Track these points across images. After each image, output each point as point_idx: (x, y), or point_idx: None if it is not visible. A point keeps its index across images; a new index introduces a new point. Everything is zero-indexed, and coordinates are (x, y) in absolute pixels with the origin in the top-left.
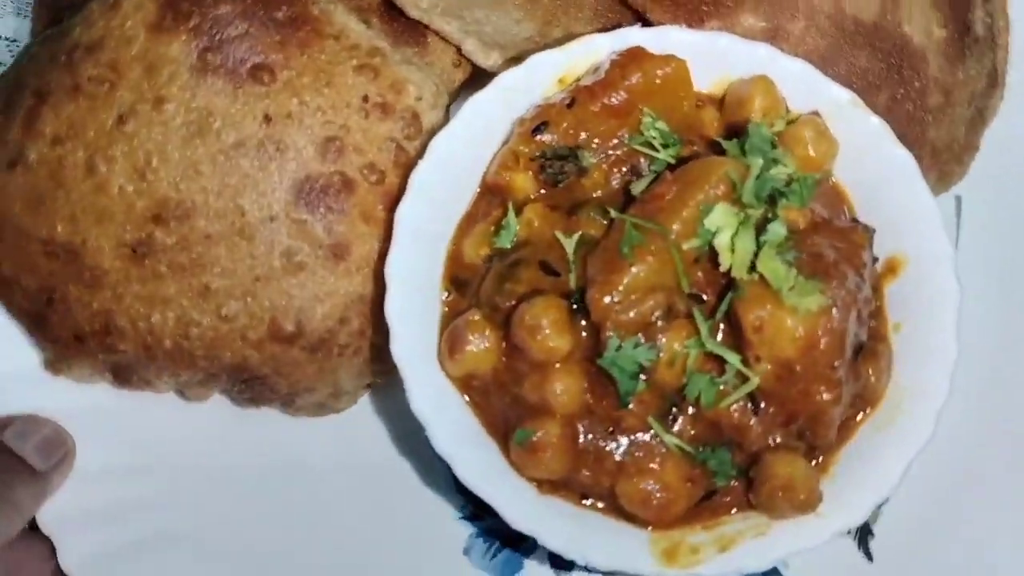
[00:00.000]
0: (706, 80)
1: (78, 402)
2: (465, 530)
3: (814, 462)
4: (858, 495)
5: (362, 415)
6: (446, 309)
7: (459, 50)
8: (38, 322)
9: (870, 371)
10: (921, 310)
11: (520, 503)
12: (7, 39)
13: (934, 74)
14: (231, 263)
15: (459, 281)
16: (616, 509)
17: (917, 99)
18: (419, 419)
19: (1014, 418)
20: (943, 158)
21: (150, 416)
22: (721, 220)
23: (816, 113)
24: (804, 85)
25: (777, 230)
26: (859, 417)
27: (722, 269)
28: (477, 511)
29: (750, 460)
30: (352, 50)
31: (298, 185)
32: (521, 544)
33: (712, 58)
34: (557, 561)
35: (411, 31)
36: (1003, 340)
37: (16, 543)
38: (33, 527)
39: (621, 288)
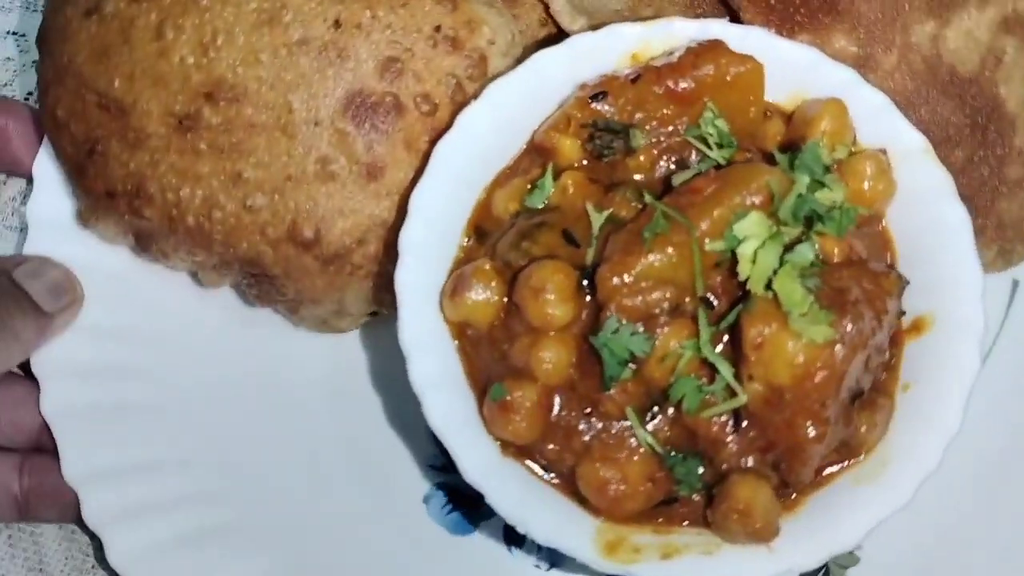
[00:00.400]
0: (782, 92)
1: (99, 261)
2: (431, 479)
3: (784, 498)
4: (816, 541)
5: (362, 342)
6: (462, 254)
7: (547, 8)
8: (79, 170)
9: (864, 421)
10: (934, 375)
11: (478, 457)
12: (16, 34)
13: (1020, 145)
14: (267, 156)
15: (482, 230)
16: (572, 490)
17: (996, 166)
18: (403, 350)
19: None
20: (1008, 234)
21: (162, 293)
22: (751, 229)
23: (883, 151)
24: (880, 120)
25: (804, 252)
26: (841, 466)
27: (740, 278)
28: (447, 463)
29: (718, 477)
30: None
31: (350, 96)
32: (475, 511)
33: (793, 70)
34: (508, 535)
35: None
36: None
37: (9, 382)
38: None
39: (634, 272)
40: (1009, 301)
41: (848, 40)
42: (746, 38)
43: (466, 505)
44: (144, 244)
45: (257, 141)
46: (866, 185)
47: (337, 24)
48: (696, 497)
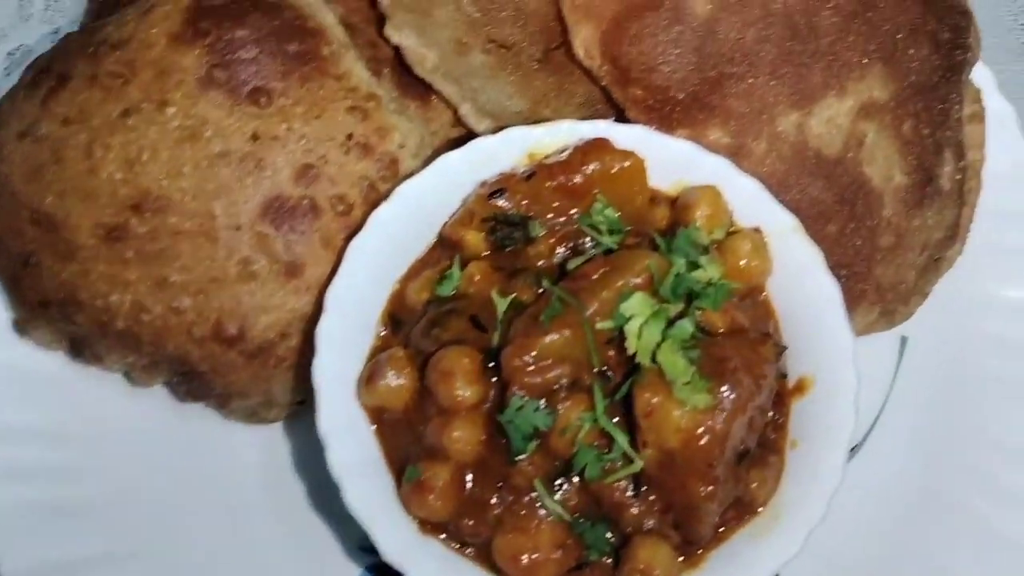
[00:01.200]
0: (666, 180)
1: (36, 365)
2: (362, 561)
3: (686, 556)
4: None
5: (290, 430)
6: (378, 343)
7: (456, 111)
8: (13, 282)
9: (754, 479)
10: (818, 432)
11: (397, 536)
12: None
13: (888, 216)
14: (192, 261)
15: (397, 320)
16: (489, 562)
17: (868, 236)
18: (321, 438)
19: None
20: (888, 296)
21: (97, 394)
22: (635, 307)
23: (758, 230)
24: (753, 203)
25: (684, 326)
26: (739, 522)
27: (628, 353)
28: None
29: (624, 540)
30: (350, 92)
31: (268, 201)
32: None
33: (673, 161)
34: None
35: (418, 87)
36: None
37: None
38: None
39: (534, 352)
40: (899, 356)
41: (722, 132)
42: (629, 135)
43: None
44: (78, 349)
45: (182, 247)
46: (743, 262)
47: (255, 137)
48: (607, 560)
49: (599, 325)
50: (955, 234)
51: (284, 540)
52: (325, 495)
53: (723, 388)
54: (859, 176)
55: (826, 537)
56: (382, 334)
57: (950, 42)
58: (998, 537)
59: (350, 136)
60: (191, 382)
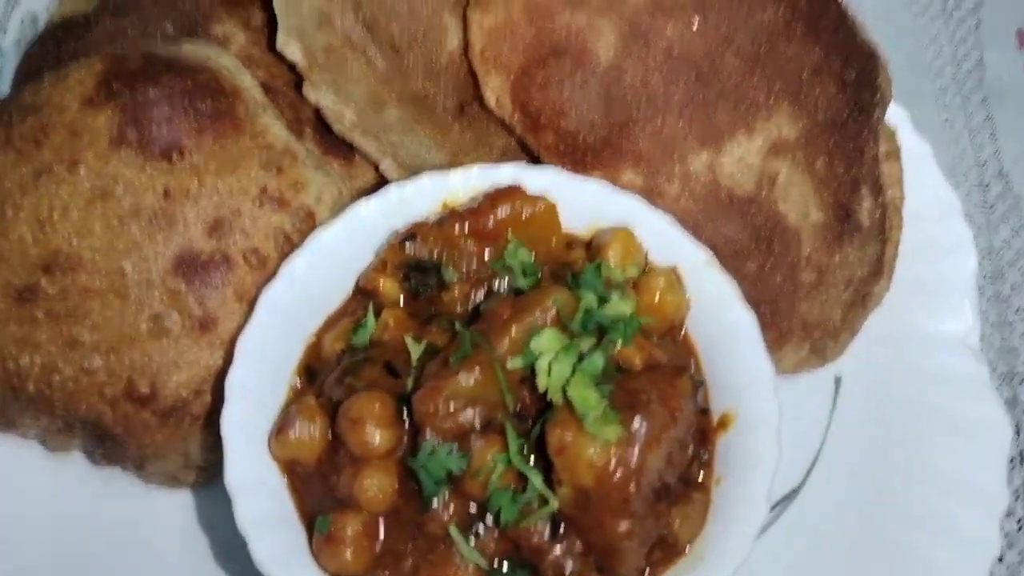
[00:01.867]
0: (580, 222)
1: None
2: None
3: None
4: None
5: (214, 493)
6: (292, 396)
7: (378, 168)
8: None
9: (677, 516)
10: (742, 467)
11: None
12: None
13: (807, 253)
14: (102, 319)
15: (312, 371)
16: None
17: (788, 273)
18: (229, 492)
19: None
20: (815, 334)
21: (13, 463)
22: (545, 344)
23: (673, 269)
24: (667, 240)
25: (594, 360)
26: (665, 564)
27: (540, 390)
28: None
29: None
30: (265, 148)
31: (179, 257)
32: None
33: (586, 203)
34: None
35: (341, 147)
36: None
37: None
38: None
39: (445, 394)
40: (834, 396)
41: (634, 174)
42: (541, 177)
43: None
44: None
45: (92, 305)
46: (659, 298)
47: (167, 193)
48: None
49: (510, 364)
50: (880, 271)
51: None
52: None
53: (635, 420)
54: (774, 214)
55: None
56: (298, 387)
57: (856, 81)
58: (939, 570)
59: (264, 190)
60: (105, 445)
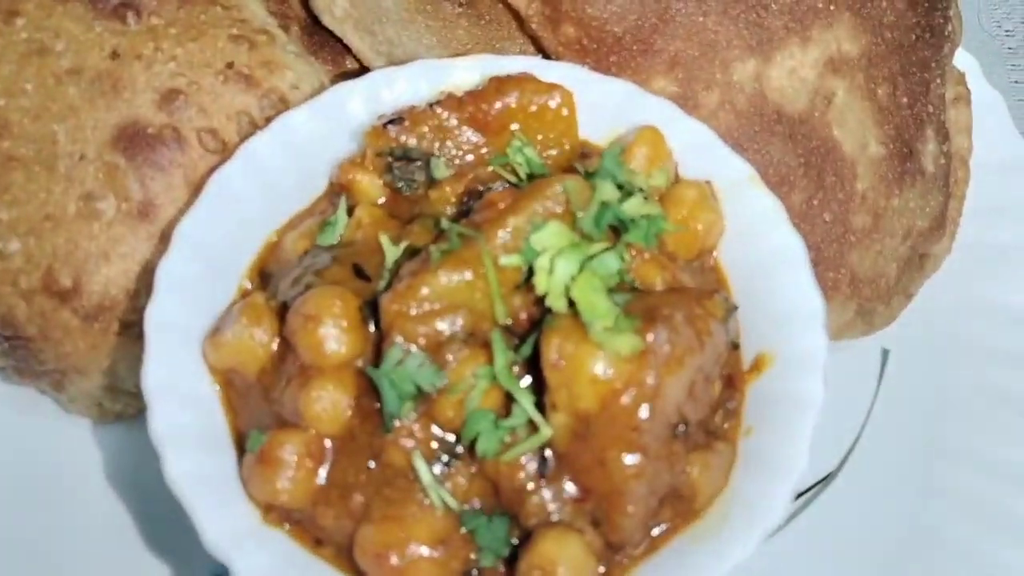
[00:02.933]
0: (599, 130)
1: None
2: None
3: (608, 567)
4: None
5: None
6: (240, 298)
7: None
8: None
9: (696, 464)
10: (777, 415)
11: (227, 522)
12: None
13: (863, 191)
14: (23, 193)
15: (266, 274)
16: (349, 565)
17: (840, 212)
18: (145, 398)
19: None
20: (865, 292)
21: None
22: (549, 239)
23: (708, 183)
24: (702, 150)
25: (607, 260)
26: (676, 524)
27: (537, 293)
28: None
29: (526, 539)
30: (238, 23)
31: (122, 128)
32: None
33: (608, 106)
34: None
35: (329, 49)
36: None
37: None
38: None
39: (422, 294)
40: (881, 371)
41: (667, 80)
42: (559, 72)
43: None
44: None
45: (14, 177)
46: (688, 213)
47: (115, 55)
48: (502, 568)
49: (503, 261)
50: (941, 227)
51: (123, 559)
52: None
53: (654, 332)
54: (828, 139)
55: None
56: (248, 289)
57: (928, 4)
58: (999, 568)
59: (230, 64)
60: (18, 353)
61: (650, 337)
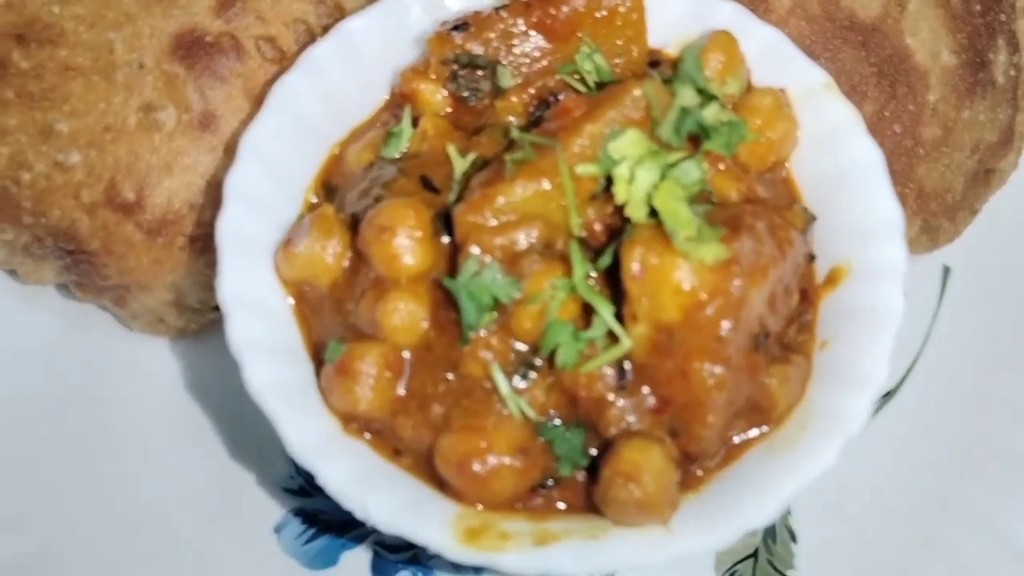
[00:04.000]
0: (667, 37)
1: None
2: (285, 504)
3: (685, 477)
4: (724, 519)
5: (209, 348)
6: (306, 212)
7: None
8: None
9: (774, 375)
10: (854, 328)
11: (311, 430)
12: None
13: (934, 102)
14: (83, 104)
15: (331, 187)
16: (430, 474)
17: (909, 123)
18: (223, 308)
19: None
20: (931, 207)
21: None
22: (627, 147)
23: (782, 90)
24: (775, 56)
25: (689, 168)
26: (752, 434)
27: (616, 202)
28: (307, 486)
29: (605, 448)
30: None
31: (180, 36)
32: (337, 539)
33: (677, 12)
34: (378, 566)
35: None
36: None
37: None
38: None
39: (496, 205)
40: (941, 290)
41: None
42: None
43: (327, 532)
44: None
45: (72, 87)
46: (763, 122)
47: None
48: (580, 478)
49: (580, 170)
50: (1009, 141)
51: (189, 474)
52: (244, 425)
53: (739, 241)
54: (901, 47)
55: (857, 490)
56: (313, 202)
57: None
58: None
59: None
60: (81, 267)
61: (736, 246)
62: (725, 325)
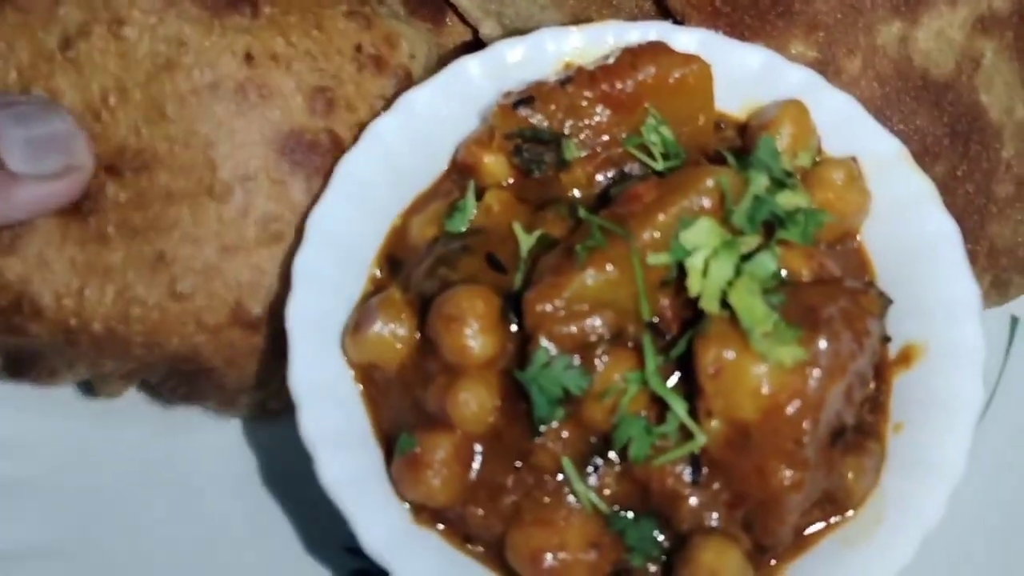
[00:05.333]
0: (734, 100)
1: None
2: (346, 566)
3: (757, 567)
4: None
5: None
6: (371, 288)
7: (476, 33)
8: None
9: (850, 468)
10: (931, 413)
11: (384, 523)
12: None
13: (1008, 159)
14: (194, 228)
15: (395, 260)
16: (501, 563)
17: (982, 182)
18: (294, 398)
19: None
20: (1002, 263)
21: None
22: (700, 237)
23: (854, 159)
24: (847, 125)
25: (765, 262)
26: (827, 524)
27: (690, 295)
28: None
29: (678, 542)
30: None
31: (282, 139)
32: None
33: (745, 75)
34: None
35: (430, 6)
36: None
37: None
38: None
39: (566, 294)
40: (1009, 341)
41: (806, 45)
42: (692, 40)
43: None
44: (22, 368)
45: (179, 212)
46: (836, 196)
47: (249, 57)
48: (653, 568)
49: (651, 260)
50: None
51: (258, 540)
52: (304, 486)
53: (818, 341)
54: (974, 105)
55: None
56: (377, 277)
57: None
58: None
59: (359, 48)
60: (192, 382)
61: (815, 346)
62: (804, 427)
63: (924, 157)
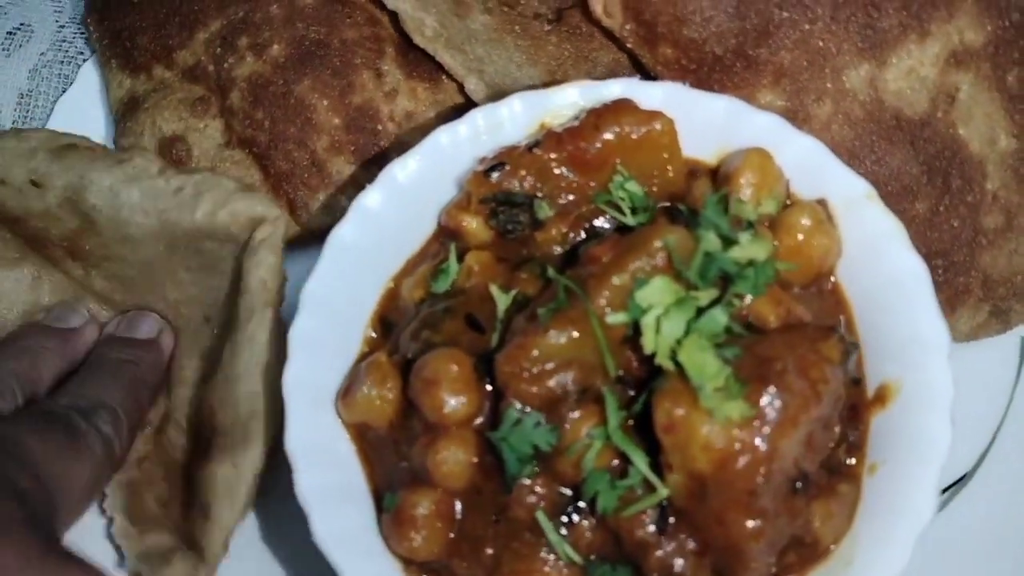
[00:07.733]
0: (706, 148)
1: None
2: None
3: None
4: None
5: None
6: (367, 349)
7: (462, 88)
8: None
9: (818, 514)
10: (901, 454)
11: None
12: None
13: (994, 190)
14: None
15: (387, 322)
16: None
17: (968, 215)
18: (290, 459)
19: None
20: (1000, 292)
21: None
22: (654, 296)
23: (822, 201)
24: (814, 167)
25: (714, 318)
26: (801, 568)
27: (645, 352)
28: None
29: None
30: None
31: None
32: None
33: (713, 123)
34: None
35: (425, 66)
36: None
37: None
38: None
39: (532, 355)
40: (1020, 360)
41: (774, 94)
42: (659, 93)
43: None
44: None
45: None
46: (802, 239)
47: None
48: None
49: (610, 319)
50: None
51: None
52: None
53: (765, 395)
54: (952, 140)
55: None
56: (372, 339)
57: None
58: None
59: None
60: None
61: (761, 401)
62: (757, 480)
63: (903, 196)
